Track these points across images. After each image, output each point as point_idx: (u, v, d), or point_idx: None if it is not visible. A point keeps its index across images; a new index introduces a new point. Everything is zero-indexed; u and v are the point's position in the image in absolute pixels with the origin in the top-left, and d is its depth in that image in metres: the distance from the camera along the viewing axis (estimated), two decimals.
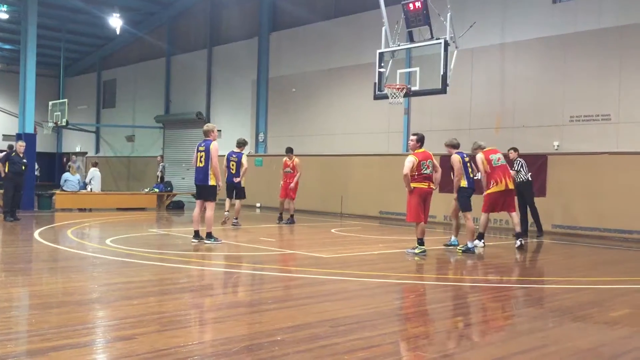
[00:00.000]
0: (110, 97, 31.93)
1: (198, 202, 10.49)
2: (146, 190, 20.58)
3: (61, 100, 26.53)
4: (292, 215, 14.53)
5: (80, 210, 17.83)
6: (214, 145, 10.11)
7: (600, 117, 14.12)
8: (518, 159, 12.89)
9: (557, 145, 14.75)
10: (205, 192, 10.29)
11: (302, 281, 7.20)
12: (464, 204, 10.24)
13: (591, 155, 13.85)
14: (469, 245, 10.04)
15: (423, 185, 9.42)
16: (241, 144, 13.31)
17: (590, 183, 13.75)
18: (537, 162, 14.72)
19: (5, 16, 24.27)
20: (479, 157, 10.53)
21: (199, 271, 7.97)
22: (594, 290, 7.25)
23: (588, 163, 13.90)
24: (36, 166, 23.85)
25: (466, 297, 6.74)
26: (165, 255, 8.94)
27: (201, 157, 10.16)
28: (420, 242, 9.54)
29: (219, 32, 25.18)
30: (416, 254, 9.47)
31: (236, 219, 13.51)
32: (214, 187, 10.20)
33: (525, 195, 12.92)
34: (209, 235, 10.24)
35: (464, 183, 10.28)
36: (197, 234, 10.34)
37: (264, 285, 7.25)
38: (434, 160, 9.66)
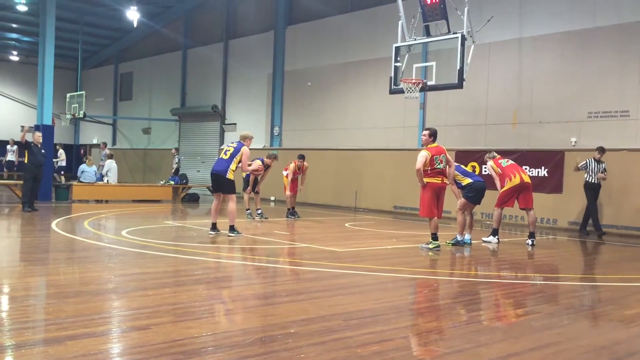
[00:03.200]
0: (127, 90, 32.14)
1: (216, 195, 10.62)
2: (162, 182, 20.72)
3: (79, 93, 26.77)
4: (293, 208, 14.72)
5: (97, 201, 18.00)
6: (246, 150, 10.39)
7: (619, 114, 13.94)
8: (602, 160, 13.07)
9: (575, 142, 14.60)
10: (220, 184, 10.40)
11: (315, 274, 7.22)
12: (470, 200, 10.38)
13: (609, 151, 13.70)
14: (458, 237, 10.22)
15: (436, 180, 9.42)
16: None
17: (608, 180, 13.59)
18: (555, 158, 14.60)
19: (24, 8, 24.50)
20: (490, 164, 10.90)
21: (214, 263, 8.01)
22: (609, 287, 7.20)
23: (606, 159, 13.73)
24: (62, 155, 24.15)
25: (480, 293, 6.71)
26: (181, 247, 9.00)
27: (227, 151, 10.42)
28: (434, 237, 9.55)
29: (235, 26, 25.22)
30: (430, 249, 9.49)
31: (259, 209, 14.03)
32: (232, 182, 10.34)
33: (592, 194, 13.05)
34: (232, 229, 10.32)
35: (467, 181, 10.30)
36: (214, 226, 10.45)
37: (277, 278, 7.28)
38: (448, 155, 9.63)
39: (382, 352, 4.15)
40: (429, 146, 9.54)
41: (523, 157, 15.18)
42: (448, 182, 9.77)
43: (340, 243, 10.23)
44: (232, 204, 10.35)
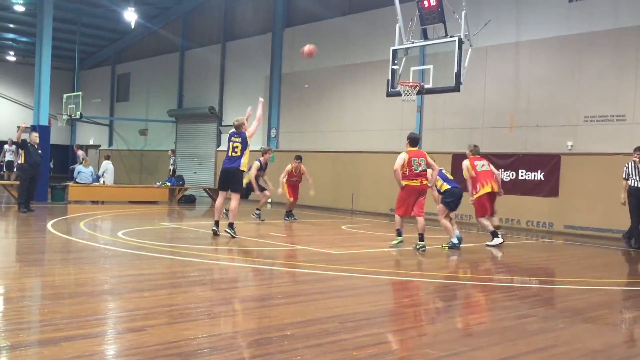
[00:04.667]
0: (124, 91, 32.10)
1: (222, 193, 10.61)
2: (158, 183, 20.69)
3: (75, 93, 26.75)
4: (291, 210, 14.74)
5: (93, 202, 17.96)
6: (251, 130, 10.49)
7: (615, 118, 13.98)
8: None
9: (571, 146, 14.63)
10: (229, 181, 10.40)
11: (311, 277, 7.21)
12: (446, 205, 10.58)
13: (605, 156, 13.74)
14: (454, 241, 10.31)
15: (414, 183, 9.67)
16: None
17: (603, 184, 13.64)
18: (551, 162, 14.64)
19: (21, 9, 24.45)
20: (465, 163, 11.12)
21: (210, 265, 8.00)
22: (605, 291, 7.21)
23: (602, 164, 13.79)
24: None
25: (476, 296, 6.72)
26: (177, 249, 8.99)
27: (235, 147, 10.35)
28: (399, 233, 9.93)
29: (232, 27, 25.22)
30: (392, 244, 9.89)
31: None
32: (242, 177, 10.48)
33: (635, 202, 11.52)
34: (231, 226, 10.28)
35: (446, 187, 10.45)
36: (217, 224, 10.47)
37: (273, 280, 7.28)
38: (428, 159, 9.84)
39: (378, 354, 4.15)
40: (408, 149, 9.87)
41: (519, 161, 15.23)
42: (430, 185, 10.00)
43: (337, 245, 10.23)
44: (235, 203, 10.32)
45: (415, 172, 9.66)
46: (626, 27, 13.89)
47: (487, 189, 10.86)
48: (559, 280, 8.20)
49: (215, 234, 10.39)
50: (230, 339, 4.41)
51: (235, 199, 10.33)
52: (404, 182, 9.64)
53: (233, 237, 10.19)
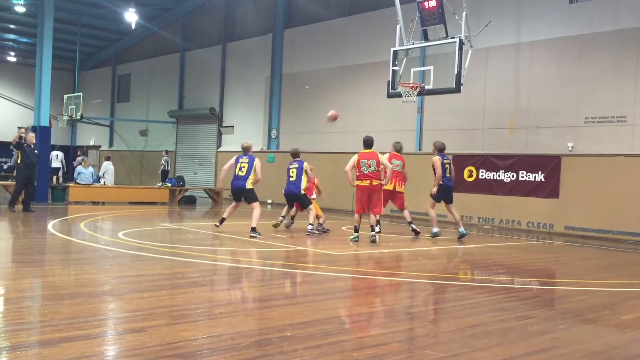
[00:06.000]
0: (124, 92, 32.12)
1: (235, 203, 11.64)
2: (159, 184, 20.69)
3: (76, 94, 26.77)
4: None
5: (94, 203, 17.97)
6: (258, 161, 11.43)
7: (616, 119, 13.99)
8: None
9: (572, 147, 14.63)
10: (241, 196, 11.48)
11: (312, 278, 7.21)
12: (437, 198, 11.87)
13: (606, 157, 13.74)
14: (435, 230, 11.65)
15: (363, 183, 10.50)
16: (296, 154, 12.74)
17: (604, 185, 13.64)
18: (551, 163, 14.63)
19: (22, 9, 24.49)
20: (385, 155, 11.75)
21: (210, 266, 8.00)
22: (605, 293, 7.21)
23: (602, 165, 13.78)
24: (58, 157, 24.09)
25: (476, 297, 6.72)
26: (177, 250, 8.99)
27: (242, 167, 11.35)
28: (356, 229, 10.79)
29: (233, 28, 25.24)
30: (351, 239, 10.69)
31: (312, 224, 12.06)
32: (253, 190, 11.41)
33: None
34: (254, 230, 10.95)
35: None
36: (222, 221, 11.48)
37: (274, 281, 7.28)
38: (381, 159, 10.64)
39: (378, 355, 4.15)
40: (361, 151, 10.69)
41: (520, 162, 15.22)
42: (384, 183, 10.77)
43: (337, 246, 10.23)
44: (256, 211, 11.15)
45: (364, 172, 10.47)
46: (627, 28, 13.90)
47: (390, 187, 11.94)
48: (560, 281, 8.20)
49: (216, 226, 11.52)
50: (230, 340, 4.40)
51: (256, 208, 11.19)
52: (355, 182, 10.53)
53: (259, 237, 10.77)
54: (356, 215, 10.86)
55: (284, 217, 12.49)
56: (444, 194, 11.77)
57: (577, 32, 14.72)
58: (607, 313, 5.94)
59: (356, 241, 10.61)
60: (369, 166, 10.47)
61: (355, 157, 10.63)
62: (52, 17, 17.88)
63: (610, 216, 13.58)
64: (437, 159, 11.65)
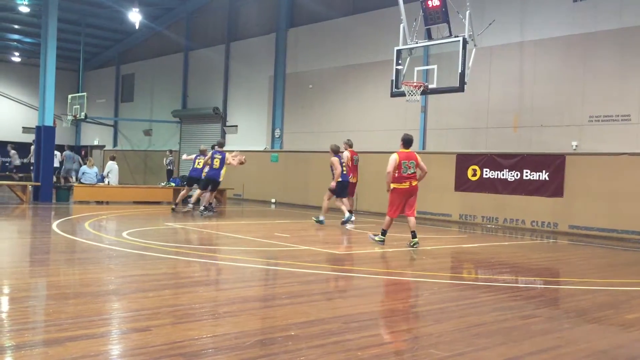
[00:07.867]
0: (128, 91, 32.17)
1: (201, 191, 14.90)
2: (163, 184, 20.71)
3: (80, 94, 26.82)
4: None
5: (98, 202, 18.00)
6: (228, 155, 14.88)
7: (620, 118, 13.94)
8: None
9: (576, 145, 14.60)
10: (213, 185, 14.92)
11: (315, 277, 7.21)
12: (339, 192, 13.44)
13: (610, 156, 13.70)
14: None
15: (403, 186, 9.90)
16: (222, 144, 15.97)
17: (608, 184, 13.60)
18: (555, 162, 14.60)
19: (26, 10, 24.54)
20: (346, 154, 13.64)
21: (214, 265, 8.01)
22: (610, 292, 7.19)
23: (607, 164, 13.74)
24: (15, 155, 24.21)
25: (480, 297, 6.71)
26: (181, 249, 9.00)
27: (216, 161, 14.82)
28: (384, 232, 10.20)
29: (236, 28, 25.25)
30: (375, 240, 10.20)
31: (210, 204, 15.20)
32: (219, 182, 15.09)
33: None
34: (206, 208, 14.72)
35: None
36: (177, 205, 15.55)
37: (277, 280, 7.28)
38: (419, 160, 10.06)
39: (382, 355, 4.15)
40: (400, 150, 10.05)
41: (524, 161, 15.19)
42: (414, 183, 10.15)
43: (341, 245, 10.23)
44: (208, 194, 14.78)
45: (404, 174, 9.86)
46: (631, 26, 13.85)
47: (354, 180, 13.98)
48: (564, 280, 8.18)
49: (174, 210, 15.31)
50: (234, 339, 4.41)
51: (211, 193, 14.96)
52: (392, 185, 9.89)
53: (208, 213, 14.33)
54: (388, 219, 10.11)
55: (195, 203, 15.29)
56: (342, 189, 13.46)
57: (582, 31, 14.68)
58: (611, 312, 5.92)
59: (382, 244, 10.09)
60: (409, 167, 9.89)
61: (396, 157, 9.87)
62: (56, 17, 17.92)
63: (614, 215, 13.54)
64: (335, 160, 13.29)
